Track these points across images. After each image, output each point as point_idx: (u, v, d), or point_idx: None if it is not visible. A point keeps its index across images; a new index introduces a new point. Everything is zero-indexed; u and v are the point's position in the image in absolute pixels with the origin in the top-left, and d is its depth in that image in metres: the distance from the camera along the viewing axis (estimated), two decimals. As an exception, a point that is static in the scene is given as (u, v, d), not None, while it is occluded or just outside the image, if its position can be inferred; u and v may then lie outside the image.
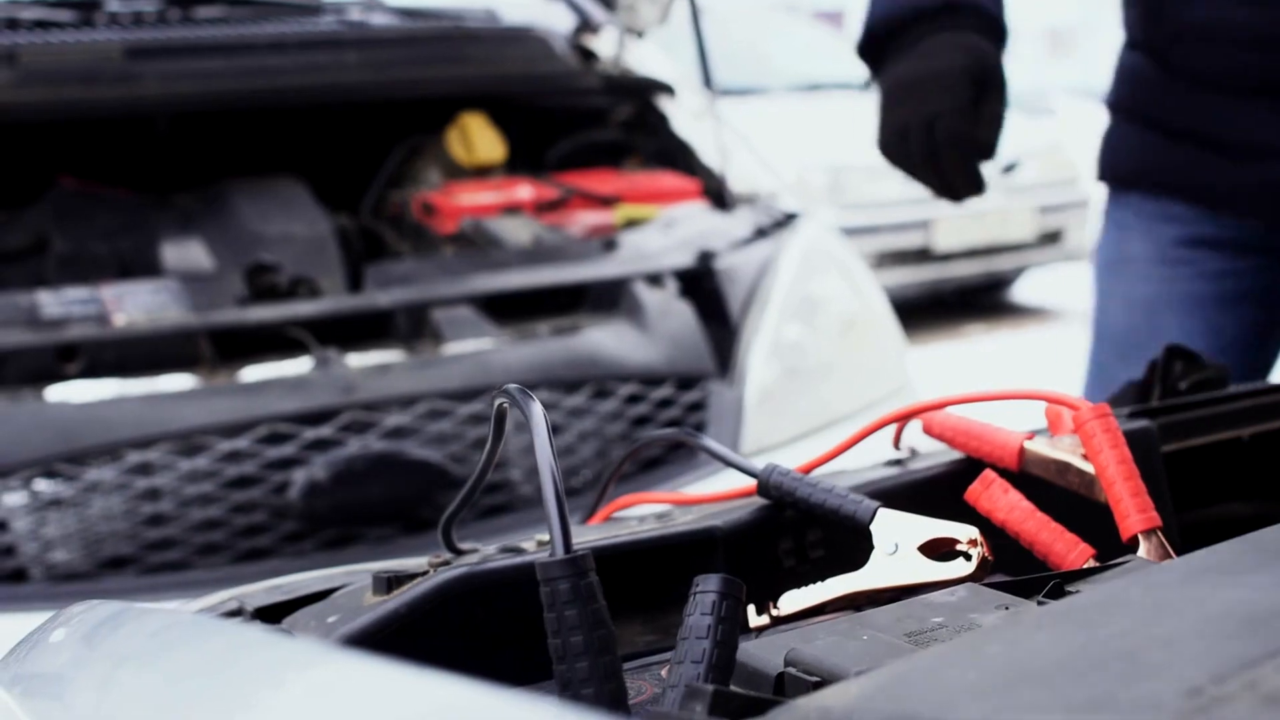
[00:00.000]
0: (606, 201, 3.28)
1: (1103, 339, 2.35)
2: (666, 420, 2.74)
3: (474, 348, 2.71)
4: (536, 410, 0.87)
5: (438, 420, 2.57)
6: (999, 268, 8.95)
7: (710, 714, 0.69)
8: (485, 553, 1.09)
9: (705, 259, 2.99)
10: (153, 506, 2.38)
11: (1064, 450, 1.09)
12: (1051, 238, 8.89)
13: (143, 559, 2.37)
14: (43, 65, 3.02)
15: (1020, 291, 9.74)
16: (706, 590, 0.80)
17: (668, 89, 3.55)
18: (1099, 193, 2.38)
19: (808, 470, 1.19)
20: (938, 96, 1.87)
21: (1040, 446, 1.11)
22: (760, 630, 0.99)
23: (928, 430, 1.24)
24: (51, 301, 2.59)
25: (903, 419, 1.21)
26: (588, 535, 1.08)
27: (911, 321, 3.88)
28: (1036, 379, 2.67)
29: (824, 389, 2.93)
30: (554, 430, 2.67)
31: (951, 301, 9.05)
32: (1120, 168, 2.30)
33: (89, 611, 0.99)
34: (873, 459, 1.34)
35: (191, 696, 0.75)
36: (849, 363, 3.05)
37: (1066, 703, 0.57)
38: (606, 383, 2.73)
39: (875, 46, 2.01)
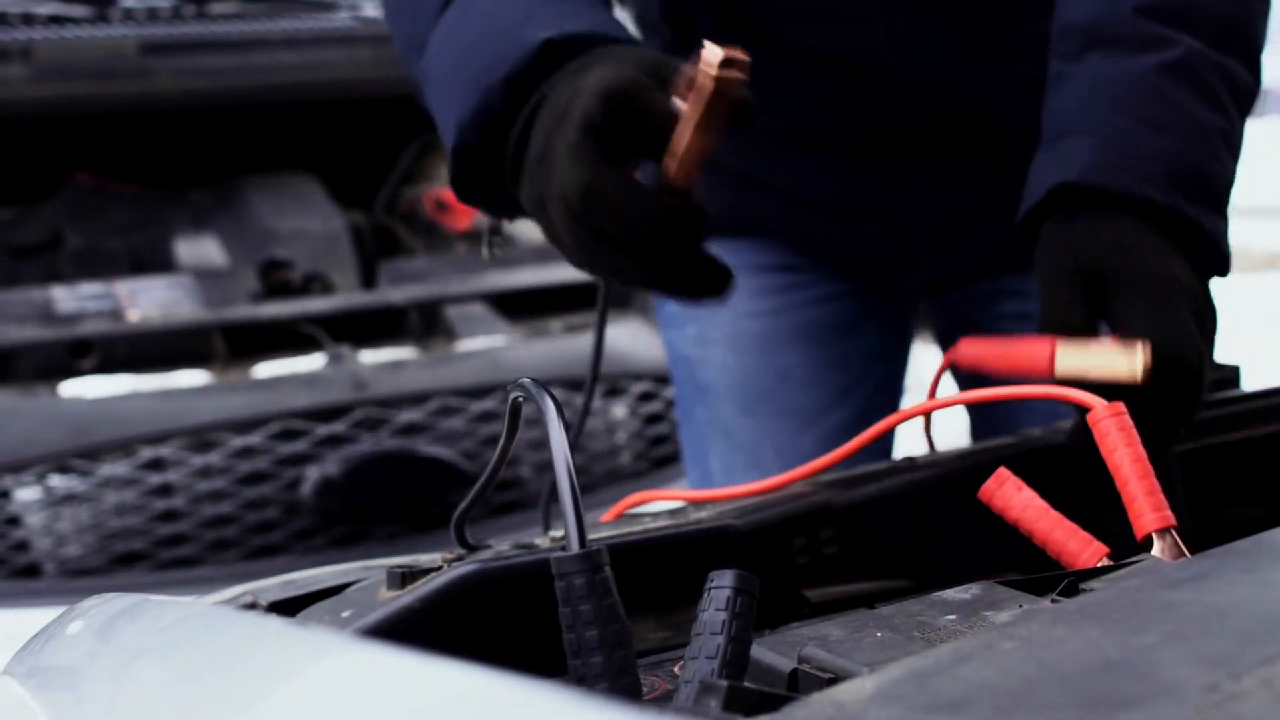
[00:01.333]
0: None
1: (711, 398, 1.96)
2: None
3: (486, 345, 2.71)
4: (550, 404, 0.87)
5: (450, 417, 2.57)
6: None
7: (724, 709, 0.70)
8: (498, 549, 1.09)
9: (718, 257, 2.98)
10: (165, 502, 2.39)
11: (1097, 351, 1.11)
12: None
13: (155, 555, 2.37)
14: (58, 61, 3.02)
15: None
16: (721, 586, 0.80)
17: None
18: None
19: (817, 469, 1.19)
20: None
21: (1072, 350, 1.12)
22: None
23: (961, 360, 1.23)
24: (66, 297, 2.59)
25: (912, 418, 1.21)
26: (602, 531, 1.08)
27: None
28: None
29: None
30: (566, 427, 2.66)
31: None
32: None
33: (105, 604, 0.99)
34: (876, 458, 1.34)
35: (210, 687, 0.75)
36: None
37: (1082, 699, 0.57)
38: (619, 380, 2.73)
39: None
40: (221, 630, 0.84)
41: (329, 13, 3.46)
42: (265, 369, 2.60)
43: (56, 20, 3.18)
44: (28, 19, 3.15)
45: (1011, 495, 1.04)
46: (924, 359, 3.11)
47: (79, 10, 3.24)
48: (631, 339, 2.79)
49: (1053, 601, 0.85)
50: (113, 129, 3.33)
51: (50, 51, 3.03)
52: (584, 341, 2.76)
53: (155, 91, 3.10)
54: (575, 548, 0.82)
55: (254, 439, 2.45)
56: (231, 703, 0.72)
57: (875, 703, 0.60)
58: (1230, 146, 1.33)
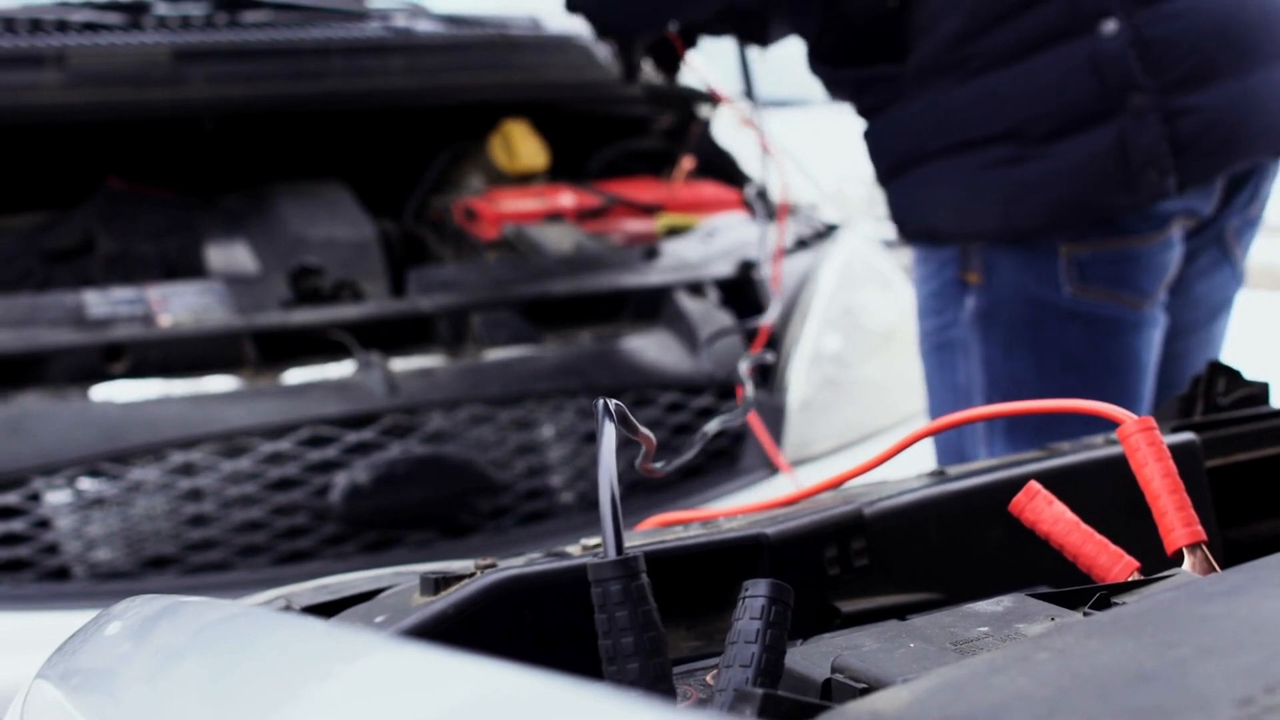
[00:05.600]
0: (648, 210, 3.28)
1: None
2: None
3: (515, 354, 2.72)
4: (609, 423, 0.88)
5: (479, 425, 2.58)
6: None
7: (759, 717, 0.70)
8: (531, 556, 1.10)
9: (746, 269, 2.99)
10: (195, 507, 2.40)
11: None
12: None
13: (185, 559, 2.38)
14: (91, 67, 3.04)
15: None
16: (755, 595, 0.81)
17: (710, 99, 3.56)
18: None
19: (842, 481, 1.19)
20: None
21: None
22: None
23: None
24: (98, 301, 2.60)
25: (938, 432, 1.21)
26: (634, 540, 1.09)
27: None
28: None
29: (864, 400, 2.93)
30: (592, 437, 2.67)
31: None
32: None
33: (140, 606, 1.00)
34: (905, 470, 1.34)
35: (253, 687, 0.76)
36: (889, 374, 3.05)
37: (1118, 711, 0.57)
38: (647, 391, 2.73)
39: None
40: (262, 631, 0.85)
41: (361, 21, 3.47)
42: (295, 375, 2.61)
43: (91, 27, 3.19)
44: (62, 25, 3.17)
45: (1042, 509, 1.05)
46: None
47: (113, 17, 3.26)
48: (659, 349, 2.79)
49: (1085, 614, 0.85)
50: (146, 135, 3.35)
51: (84, 58, 3.05)
52: (613, 351, 2.76)
53: (188, 98, 3.12)
54: (612, 554, 0.83)
55: (284, 445, 2.46)
56: (275, 702, 0.73)
57: (911, 712, 0.60)
58: None
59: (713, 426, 1.46)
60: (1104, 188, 2.21)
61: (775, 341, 2.91)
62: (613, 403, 0.89)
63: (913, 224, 2.39)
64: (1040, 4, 2.19)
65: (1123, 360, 2.30)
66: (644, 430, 0.95)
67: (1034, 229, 2.25)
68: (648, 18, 2.72)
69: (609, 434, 0.87)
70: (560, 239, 3.10)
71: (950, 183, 2.30)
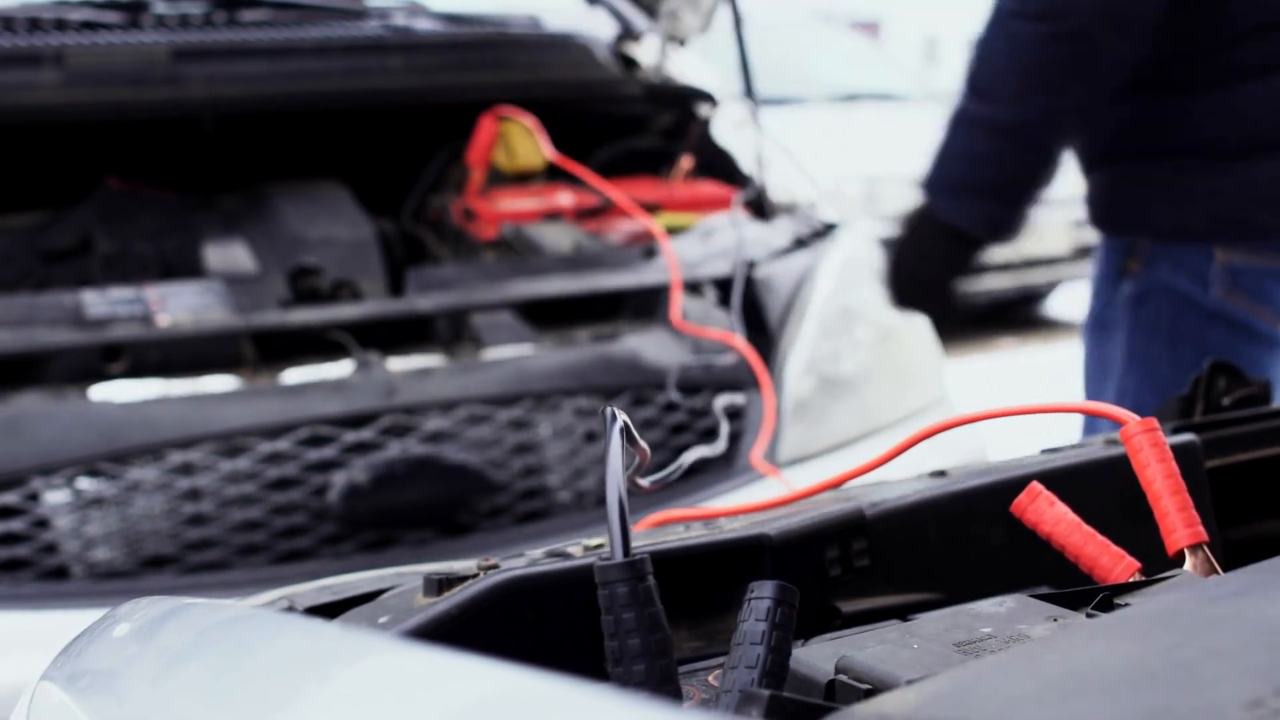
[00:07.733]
0: (647, 209, 3.28)
1: None
2: (703, 429, 2.74)
3: (514, 353, 2.72)
4: (616, 430, 0.88)
5: (477, 425, 2.58)
6: (1032, 281, 8.93)
7: (766, 718, 0.70)
8: (532, 556, 1.10)
9: (744, 268, 2.99)
10: (194, 506, 2.40)
11: None
12: (1085, 252, 8.85)
13: (183, 559, 2.38)
14: (90, 66, 3.04)
15: (1053, 306, 9.71)
16: (761, 596, 0.81)
17: (709, 98, 3.56)
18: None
19: (842, 481, 1.19)
20: None
21: None
22: None
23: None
24: (96, 301, 2.60)
25: (940, 432, 1.21)
26: (636, 540, 1.09)
27: (943, 334, 3.87)
28: (1068, 393, 2.69)
29: (861, 400, 2.93)
30: (590, 437, 2.68)
31: (984, 315, 9.01)
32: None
33: (146, 607, 1.00)
34: (906, 471, 1.34)
35: (257, 687, 0.76)
36: (886, 374, 3.05)
37: (1126, 713, 0.57)
38: (644, 390, 2.73)
39: None
40: (267, 632, 0.85)
41: (360, 20, 3.47)
42: (294, 375, 2.60)
43: (89, 26, 3.19)
44: (60, 24, 3.17)
45: (1044, 510, 1.05)
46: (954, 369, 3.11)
47: (111, 16, 3.26)
48: (656, 348, 2.79)
49: (1089, 615, 0.85)
50: (144, 135, 3.35)
51: (83, 57, 3.05)
52: (611, 350, 2.76)
53: (186, 98, 3.12)
54: (619, 556, 0.83)
55: (282, 444, 2.46)
56: (280, 703, 0.73)
57: (919, 714, 0.61)
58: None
59: (689, 457, 1.48)
60: (1270, 208, 2.43)
61: (771, 342, 2.91)
62: (620, 413, 0.90)
63: (1108, 212, 2.59)
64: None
65: (1255, 367, 2.42)
66: (642, 443, 0.95)
67: (1199, 231, 2.44)
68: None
69: (616, 440, 0.87)
70: (558, 238, 3.10)
71: (1142, 182, 2.50)
